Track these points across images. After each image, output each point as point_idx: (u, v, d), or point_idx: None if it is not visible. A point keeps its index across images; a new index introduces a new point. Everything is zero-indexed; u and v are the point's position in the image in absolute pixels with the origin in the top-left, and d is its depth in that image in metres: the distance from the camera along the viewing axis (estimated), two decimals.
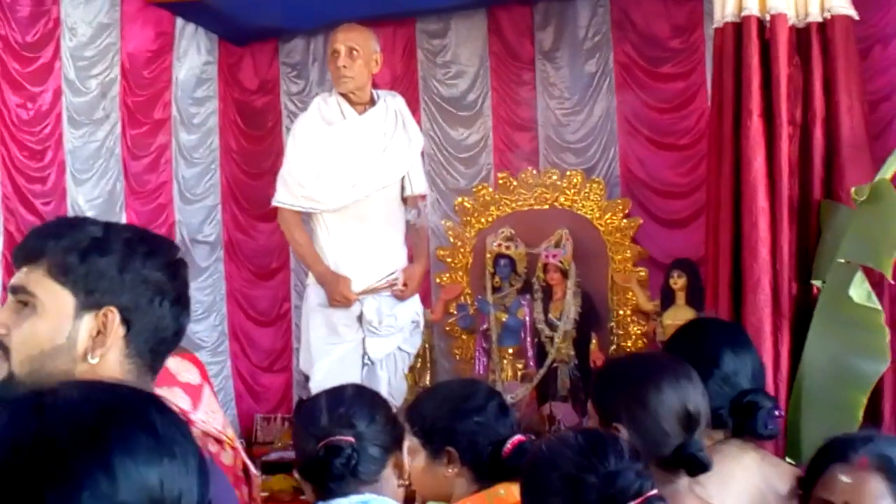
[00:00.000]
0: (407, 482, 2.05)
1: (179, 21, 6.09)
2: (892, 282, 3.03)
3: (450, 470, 2.04)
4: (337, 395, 2.03)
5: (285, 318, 6.45)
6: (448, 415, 2.09)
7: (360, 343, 4.07)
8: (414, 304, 4.33)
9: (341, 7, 5.80)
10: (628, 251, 5.68)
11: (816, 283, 3.27)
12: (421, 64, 6.21)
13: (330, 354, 4.00)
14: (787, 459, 2.90)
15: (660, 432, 1.78)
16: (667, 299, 5.31)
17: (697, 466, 1.76)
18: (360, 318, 4.05)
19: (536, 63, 6.04)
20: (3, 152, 5.08)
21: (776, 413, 2.06)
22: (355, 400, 2.00)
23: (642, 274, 5.62)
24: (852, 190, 3.16)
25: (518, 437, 2.02)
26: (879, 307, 2.99)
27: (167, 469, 0.87)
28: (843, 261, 3.08)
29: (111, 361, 1.38)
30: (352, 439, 1.88)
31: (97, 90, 5.54)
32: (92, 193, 5.54)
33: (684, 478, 1.79)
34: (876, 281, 3.09)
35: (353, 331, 4.06)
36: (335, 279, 4.03)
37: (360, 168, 4.06)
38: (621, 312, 5.67)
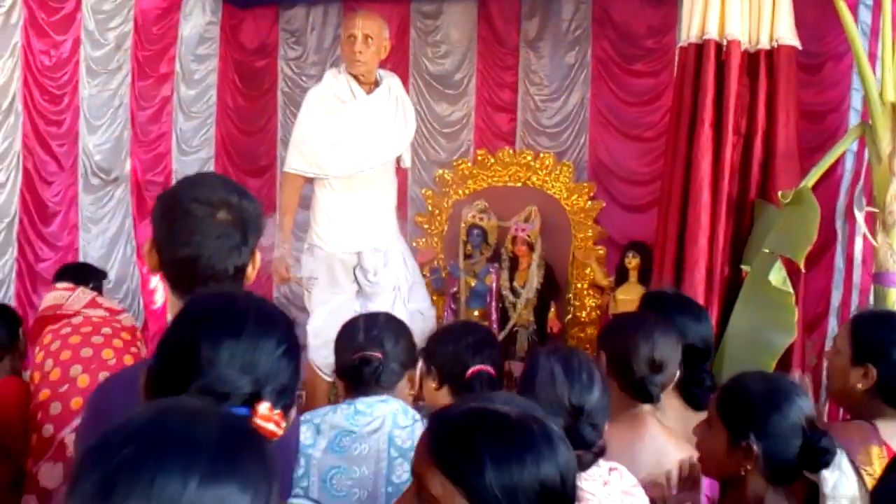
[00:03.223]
0: (415, 392, 2.76)
1: None
2: (804, 271, 3.82)
3: (433, 384, 2.76)
4: (372, 319, 2.70)
5: (266, 270, 7.11)
6: (434, 341, 2.81)
7: (354, 296, 4.81)
8: (397, 270, 5.04)
9: None
10: (590, 230, 6.41)
11: (745, 268, 4.04)
12: (413, 41, 6.87)
13: (328, 303, 4.72)
14: None
15: (634, 370, 2.46)
16: (621, 277, 6.04)
17: (645, 395, 2.45)
18: (355, 272, 4.79)
19: (520, 50, 6.73)
20: (25, 95, 5.68)
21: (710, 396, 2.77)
22: (386, 325, 2.67)
23: (601, 252, 6.34)
24: (779, 193, 3.94)
25: (478, 367, 2.65)
26: (791, 291, 3.76)
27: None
28: (767, 251, 3.85)
29: None
30: (379, 355, 2.53)
31: (113, 42, 6.14)
32: (101, 139, 6.16)
33: (646, 405, 2.46)
34: (793, 270, 3.86)
35: (349, 282, 4.80)
36: (283, 251, 4.81)
37: (366, 142, 4.76)
38: (579, 286, 6.41)
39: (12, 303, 5.62)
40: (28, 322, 4.55)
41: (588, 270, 6.36)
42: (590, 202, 6.43)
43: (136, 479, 0.96)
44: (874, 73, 4.23)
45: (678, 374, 2.53)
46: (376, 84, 4.93)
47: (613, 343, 2.53)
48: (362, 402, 2.45)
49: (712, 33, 4.11)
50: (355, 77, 4.82)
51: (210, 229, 1.80)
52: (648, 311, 2.89)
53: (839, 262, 5.78)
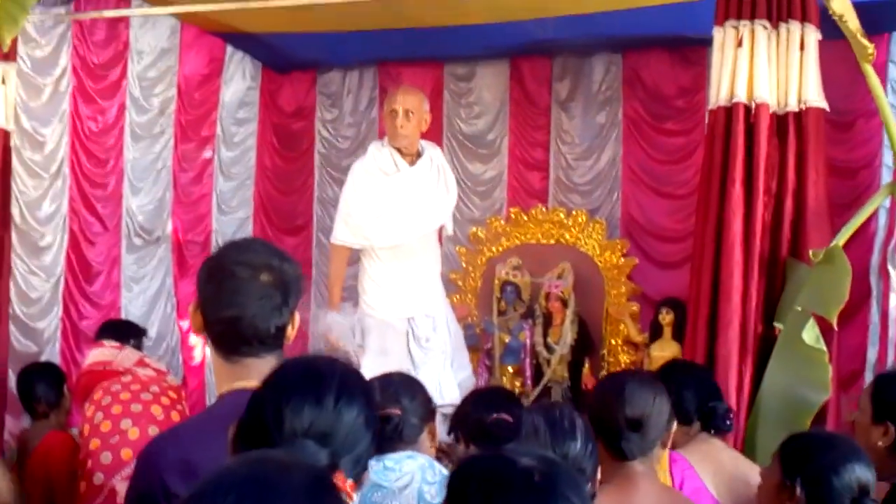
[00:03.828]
0: (436, 445, 2.85)
1: (229, 48, 6.93)
2: (836, 329, 3.88)
3: (461, 447, 2.86)
4: (388, 378, 2.83)
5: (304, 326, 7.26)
6: (456, 410, 2.98)
7: (403, 364, 4.92)
8: (444, 335, 5.15)
9: (377, 47, 6.67)
10: (623, 287, 6.49)
11: (778, 325, 4.11)
12: (446, 103, 7.05)
13: (378, 372, 4.82)
14: None
15: (610, 429, 2.48)
16: (655, 333, 6.09)
17: (620, 453, 2.46)
18: (407, 338, 4.90)
19: (552, 111, 6.88)
20: (73, 159, 5.91)
21: (730, 414, 2.93)
22: (401, 383, 2.81)
23: (634, 308, 6.41)
24: (810, 252, 4.02)
25: (496, 416, 2.77)
26: (825, 349, 3.83)
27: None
28: (799, 309, 3.92)
29: None
30: (398, 412, 2.65)
31: (157, 108, 6.38)
32: (144, 200, 6.37)
33: (636, 464, 2.47)
34: (826, 328, 3.93)
35: (400, 349, 4.91)
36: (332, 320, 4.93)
37: (411, 213, 4.92)
38: (613, 342, 6.47)
39: (57, 360, 5.79)
40: (72, 378, 4.72)
41: (622, 327, 6.42)
42: (623, 259, 6.51)
43: None
44: None
45: (671, 426, 2.57)
46: (418, 155, 5.09)
47: (592, 404, 2.62)
48: (390, 459, 2.54)
49: (741, 96, 4.23)
50: (398, 150, 4.99)
51: (253, 290, 1.91)
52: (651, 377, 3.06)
53: (874, 317, 5.81)
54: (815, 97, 4.26)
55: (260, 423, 1.50)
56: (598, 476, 2.28)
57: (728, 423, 3.02)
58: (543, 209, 6.72)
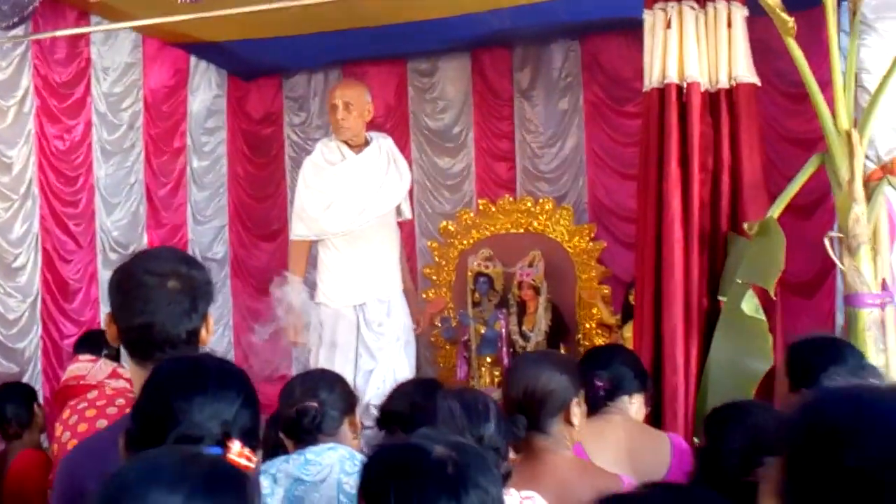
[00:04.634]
0: (359, 437, 2.98)
1: (193, 59, 7.09)
2: (775, 298, 4.00)
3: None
4: (307, 375, 2.98)
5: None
6: (386, 407, 3.08)
7: (355, 356, 5.05)
8: (398, 322, 5.27)
9: (340, 49, 6.80)
10: (594, 271, 6.63)
11: (722, 298, 4.22)
12: (411, 99, 7.20)
13: (327, 362, 4.96)
14: (695, 439, 3.83)
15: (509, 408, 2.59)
16: (627, 314, 6.20)
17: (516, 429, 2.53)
18: (358, 325, 5.03)
19: (514, 100, 7.02)
20: (41, 179, 6.07)
21: (599, 382, 3.07)
22: (320, 378, 2.94)
23: (606, 291, 6.56)
24: (745, 225, 4.14)
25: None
26: (764, 318, 3.94)
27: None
28: (739, 281, 4.04)
29: None
30: (316, 404, 2.76)
31: (125, 123, 6.54)
32: (118, 216, 6.53)
33: (540, 441, 2.56)
34: (765, 298, 4.04)
35: (351, 341, 5.04)
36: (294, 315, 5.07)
37: (360, 199, 5.05)
38: (587, 326, 6.61)
39: (39, 379, 5.95)
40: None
41: (595, 310, 6.56)
42: (591, 243, 6.65)
43: (131, 495, 1.23)
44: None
45: (567, 402, 2.61)
46: (367, 144, 5.23)
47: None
48: (311, 452, 2.67)
49: (673, 77, 4.34)
50: (345, 142, 5.13)
51: (161, 298, 2.01)
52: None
53: (840, 285, 5.90)
54: (746, 73, 4.37)
55: (152, 420, 1.62)
56: (511, 454, 2.41)
57: (601, 391, 3.06)
58: (511, 199, 6.86)
